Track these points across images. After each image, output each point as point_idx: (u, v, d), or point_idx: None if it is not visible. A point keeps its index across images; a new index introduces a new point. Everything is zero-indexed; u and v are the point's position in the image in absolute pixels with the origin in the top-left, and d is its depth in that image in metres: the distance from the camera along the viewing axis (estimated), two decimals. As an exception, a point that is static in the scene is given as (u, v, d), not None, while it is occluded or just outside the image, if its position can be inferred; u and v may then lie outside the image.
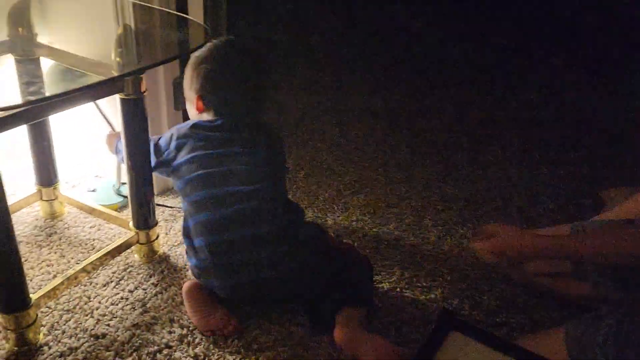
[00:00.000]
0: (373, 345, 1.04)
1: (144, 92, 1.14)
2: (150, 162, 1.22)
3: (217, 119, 1.20)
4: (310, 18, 3.34)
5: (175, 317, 1.15)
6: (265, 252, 1.10)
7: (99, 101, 1.45)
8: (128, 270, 1.29)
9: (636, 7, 2.94)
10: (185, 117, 1.62)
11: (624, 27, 3.00)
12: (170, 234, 1.43)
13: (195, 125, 1.20)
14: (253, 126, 1.23)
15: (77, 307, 1.18)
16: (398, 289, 1.28)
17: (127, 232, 1.32)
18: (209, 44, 1.20)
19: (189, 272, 1.28)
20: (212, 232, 1.12)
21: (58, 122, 1.42)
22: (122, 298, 1.20)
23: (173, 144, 1.20)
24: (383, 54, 2.93)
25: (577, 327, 0.95)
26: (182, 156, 1.18)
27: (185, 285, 1.19)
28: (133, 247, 1.32)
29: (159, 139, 1.25)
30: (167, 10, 1.36)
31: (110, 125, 1.48)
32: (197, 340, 1.11)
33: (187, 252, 1.21)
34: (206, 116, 1.23)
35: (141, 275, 1.27)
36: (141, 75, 1.12)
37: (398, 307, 1.23)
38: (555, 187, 1.75)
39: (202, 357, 1.07)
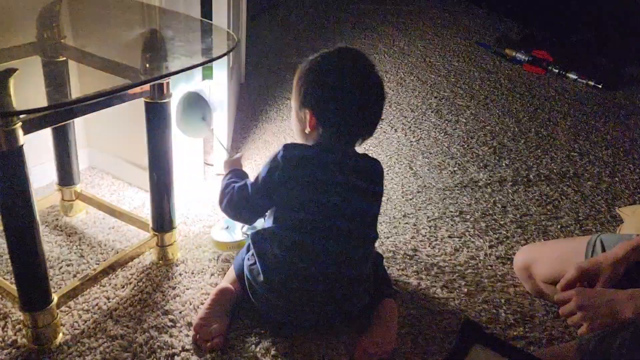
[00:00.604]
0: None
1: (168, 98, 1.16)
2: (170, 166, 1.23)
3: (325, 143, 1.08)
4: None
5: (192, 321, 1.16)
6: (340, 292, 1.10)
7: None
8: (146, 272, 1.30)
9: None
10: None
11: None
12: (189, 236, 1.44)
13: (300, 149, 1.08)
14: (358, 154, 1.12)
15: (96, 307, 1.19)
16: (415, 300, 1.28)
17: (147, 235, 1.33)
18: (318, 54, 1.08)
19: (216, 278, 1.28)
20: (299, 258, 1.06)
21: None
22: (140, 300, 1.21)
23: (276, 175, 1.07)
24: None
25: (590, 341, 0.95)
26: (284, 183, 1.07)
27: (220, 286, 1.18)
28: (152, 250, 1.32)
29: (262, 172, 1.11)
30: (192, 16, 1.38)
31: (227, 150, 1.46)
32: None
33: (253, 258, 1.13)
34: (314, 135, 1.09)
35: (159, 278, 1.28)
36: (167, 81, 1.13)
37: (415, 317, 1.23)
38: (574, 202, 1.74)
39: (219, 361, 1.08)
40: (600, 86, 2.56)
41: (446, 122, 2.21)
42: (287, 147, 1.07)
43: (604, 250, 1.13)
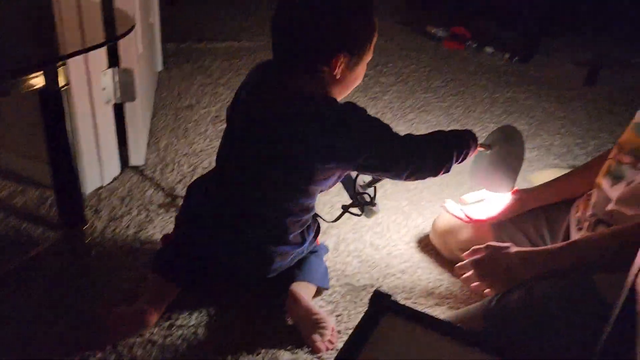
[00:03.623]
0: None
1: (64, 86, 1.09)
2: (71, 158, 1.16)
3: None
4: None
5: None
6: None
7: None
8: (57, 271, 1.23)
9: None
10: (118, 110, 1.56)
11: None
12: (100, 231, 1.37)
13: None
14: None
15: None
16: (333, 277, 1.29)
17: (54, 232, 1.26)
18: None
19: (134, 272, 1.23)
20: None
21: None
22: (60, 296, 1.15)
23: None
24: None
25: (491, 300, 1.00)
26: None
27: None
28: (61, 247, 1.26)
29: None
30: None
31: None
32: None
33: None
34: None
35: (73, 276, 1.22)
36: (59, 68, 1.06)
37: (338, 293, 1.23)
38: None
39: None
40: (514, 59, 2.66)
41: (370, 99, 2.22)
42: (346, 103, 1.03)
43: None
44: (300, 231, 1.14)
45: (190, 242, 1.18)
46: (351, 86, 1.06)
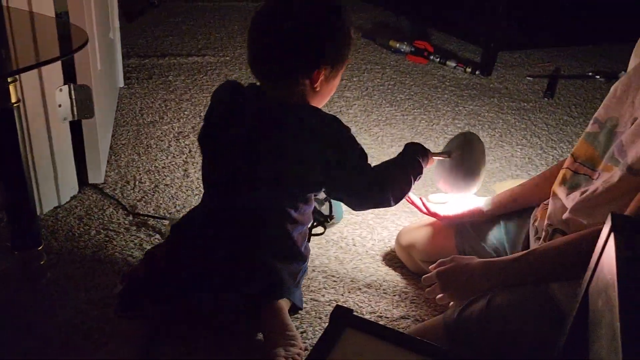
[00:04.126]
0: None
1: (16, 102, 1.05)
2: (24, 177, 1.12)
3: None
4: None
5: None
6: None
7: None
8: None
9: None
10: (76, 127, 1.52)
11: None
12: (62, 252, 1.33)
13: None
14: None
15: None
16: (303, 293, 1.27)
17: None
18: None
19: (92, 294, 1.19)
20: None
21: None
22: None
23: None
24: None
25: (454, 312, 1.00)
26: None
27: None
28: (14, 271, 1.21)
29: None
30: (45, 14, 1.27)
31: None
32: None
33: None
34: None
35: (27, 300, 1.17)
36: (11, 84, 1.03)
37: (305, 310, 1.22)
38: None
39: None
40: (476, 72, 2.72)
41: (335, 113, 2.21)
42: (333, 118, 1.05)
43: (470, 223, 1.20)
44: (305, 244, 1.14)
45: (180, 275, 1.09)
46: (327, 97, 1.09)
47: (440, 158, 1.21)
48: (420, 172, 1.12)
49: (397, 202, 1.09)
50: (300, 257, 1.12)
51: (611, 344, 0.54)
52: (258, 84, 1.08)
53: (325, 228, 1.30)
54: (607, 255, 0.65)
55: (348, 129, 1.05)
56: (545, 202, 1.11)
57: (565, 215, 0.99)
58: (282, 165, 1.04)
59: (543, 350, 0.85)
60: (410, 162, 1.12)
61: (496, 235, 1.19)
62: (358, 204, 1.10)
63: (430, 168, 1.20)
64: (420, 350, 0.78)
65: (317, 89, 1.02)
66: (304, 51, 0.98)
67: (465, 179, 1.20)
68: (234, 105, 1.07)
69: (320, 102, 1.08)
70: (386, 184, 1.06)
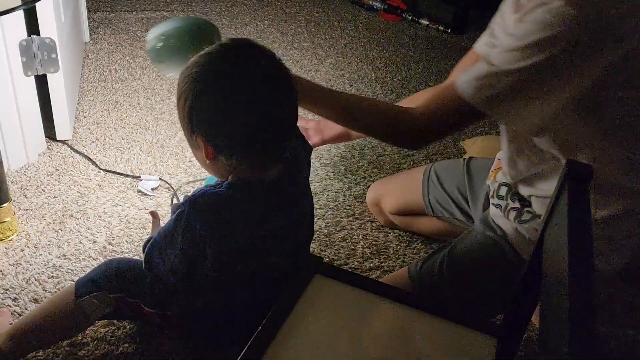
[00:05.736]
0: None
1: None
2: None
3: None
4: None
5: (36, 297, 1.08)
6: None
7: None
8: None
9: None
10: (41, 82, 1.49)
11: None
12: (32, 209, 1.32)
13: None
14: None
15: None
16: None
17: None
18: (202, 58, 0.78)
19: (63, 249, 1.19)
20: None
21: None
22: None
23: None
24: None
25: (417, 263, 1.05)
26: None
27: None
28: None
29: None
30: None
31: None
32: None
33: None
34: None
35: (-4, 256, 1.17)
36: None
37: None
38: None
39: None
40: (449, 31, 2.72)
41: (307, 72, 2.22)
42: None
43: (437, 177, 1.23)
44: None
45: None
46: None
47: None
48: None
49: None
50: None
51: (559, 289, 0.57)
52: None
53: None
54: (562, 202, 0.68)
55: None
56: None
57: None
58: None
59: (500, 294, 0.90)
60: None
61: (460, 188, 1.22)
62: None
63: None
64: (386, 294, 0.82)
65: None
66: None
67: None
68: (269, 200, 0.85)
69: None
70: None
